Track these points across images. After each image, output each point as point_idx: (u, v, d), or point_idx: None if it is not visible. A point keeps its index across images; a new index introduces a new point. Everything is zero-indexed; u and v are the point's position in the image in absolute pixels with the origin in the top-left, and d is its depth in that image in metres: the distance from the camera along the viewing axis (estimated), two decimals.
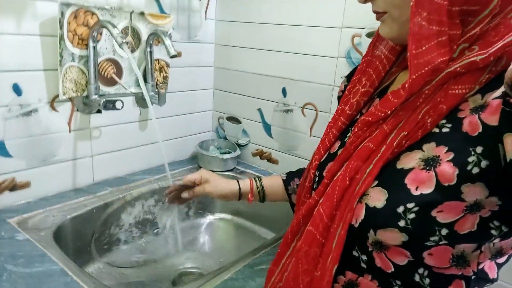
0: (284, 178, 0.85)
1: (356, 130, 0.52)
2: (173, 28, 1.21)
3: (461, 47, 0.44)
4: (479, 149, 0.40)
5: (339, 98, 0.69)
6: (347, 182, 0.49)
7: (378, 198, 0.45)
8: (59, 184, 1.05)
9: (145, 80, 1.16)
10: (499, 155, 0.39)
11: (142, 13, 1.09)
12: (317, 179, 0.59)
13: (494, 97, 0.41)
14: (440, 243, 0.43)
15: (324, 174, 0.56)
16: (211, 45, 1.39)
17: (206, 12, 1.33)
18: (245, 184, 0.85)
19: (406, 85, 0.45)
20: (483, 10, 0.43)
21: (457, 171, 0.41)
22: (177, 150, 1.37)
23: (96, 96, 1.02)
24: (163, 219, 1.18)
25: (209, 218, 1.31)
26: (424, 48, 0.43)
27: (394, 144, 0.46)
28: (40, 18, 0.91)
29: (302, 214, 0.57)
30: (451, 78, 0.44)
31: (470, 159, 0.40)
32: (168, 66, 1.22)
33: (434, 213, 0.42)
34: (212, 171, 1.29)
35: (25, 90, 0.92)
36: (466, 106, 0.44)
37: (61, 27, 0.92)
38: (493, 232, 0.43)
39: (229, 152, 1.35)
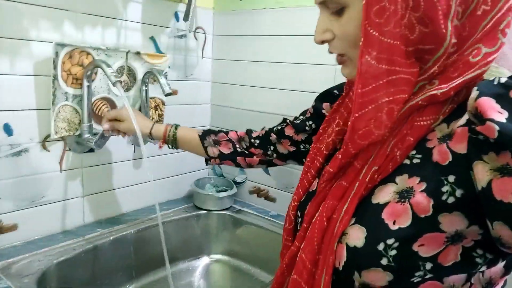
0: (200, 134, 0.91)
1: (321, 182, 0.52)
2: (169, 67, 1.22)
3: (421, 83, 0.45)
4: (451, 178, 0.40)
5: (307, 119, 0.75)
6: (325, 223, 0.48)
7: (357, 236, 0.44)
8: (48, 227, 1.01)
9: None
10: (473, 183, 0.39)
11: (138, 53, 1.10)
12: (299, 219, 0.57)
13: (459, 125, 0.41)
14: (426, 277, 0.42)
15: (305, 215, 0.54)
16: (208, 83, 1.40)
17: (202, 51, 1.35)
18: (159, 128, 0.92)
19: (346, 138, 0.46)
20: (438, 49, 0.43)
21: (432, 202, 0.40)
22: (172, 188, 1.34)
23: (89, 135, 1.01)
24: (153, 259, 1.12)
25: (205, 260, 1.26)
26: (370, 87, 0.43)
27: (367, 179, 0.46)
28: (35, 59, 0.91)
29: (285, 263, 0.55)
30: (415, 110, 0.45)
31: (444, 188, 0.40)
32: (163, 104, 1.21)
33: (415, 247, 0.41)
34: (208, 210, 1.26)
35: (16, 129, 0.91)
36: (433, 135, 0.44)
37: (55, 67, 0.92)
38: (478, 260, 0.42)
39: (226, 190, 1.32)
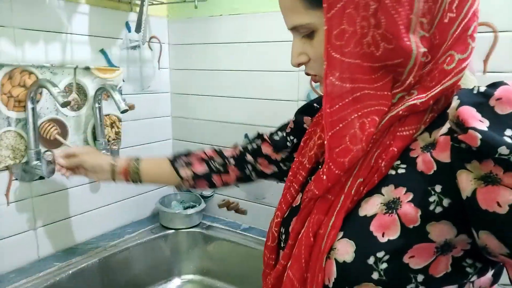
0: (170, 157, 0.81)
1: (305, 197, 0.51)
2: (123, 81, 1.14)
3: (400, 95, 0.45)
4: (438, 188, 0.40)
5: (288, 134, 0.73)
6: (311, 239, 0.46)
7: (346, 251, 0.43)
8: None
9: (95, 138, 1.07)
10: (459, 192, 0.39)
11: (87, 68, 1.02)
12: (283, 236, 0.55)
13: (441, 133, 0.42)
14: None
15: (290, 230, 0.53)
16: (167, 95, 1.33)
17: (159, 61, 1.28)
18: (120, 162, 0.81)
19: (326, 155, 0.46)
20: (407, 61, 0.43)
21: (419, 212, 0.40)
22: (136, 209, 1.26)
23: (38, 161, 0.92)
24: None
25: (176, 282, 1.19)
26: (337, 106, 0.45)
27: (352, 192, 0.45)
28: None
29: (271, 283, 0.53)
30: (396, 121, 0.45)
31: (431, 198, 0.40)
32: (120, 120, 1.13)
33: (406, 259, 0.41)
34: (175, 229, 1.20)
35: None
36: (416, 145, 0.44)
37: None
38: (469, 270, 0.42)
39: (193, 206, 1.26)
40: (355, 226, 0.44)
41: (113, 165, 0.79)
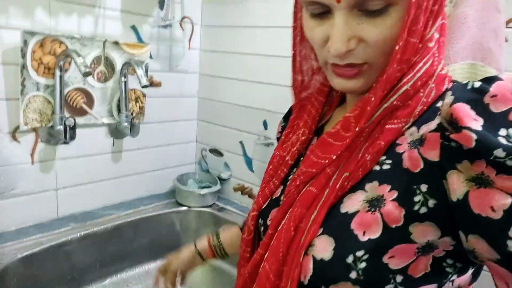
0: (241, 226, 0.76)
1: (298, 183, 0.47)
2: (151, 57, 1.18)
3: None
4: (423, 187, 0.38)
5: (278, 139, 0.64)
6: (292, 233, 0.45)
7: (324, 248, 0.41)
8: (18, 219, 0.99)
9: (119, 110, 1.12)
10: (446, 193, 0.37)
11: (116, 42, 1.06)
12: (262, 228, 0.54)
13: (430, 130, 0.40)
14: None
15: (268, 222, 0.51)
16: (195, 75, 1.36)
17: (189, 41, 1.30)
18: (202, 243, 0.76)
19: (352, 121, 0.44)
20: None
21: (403, 212, 0.39)
22: (155, 183, 1.30)
23: (61, 126, 0.98)
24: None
25: None
26: (383, 92, 0.42)
27: (337, 186, 0.43)
28: (3, 46, 0.88)
29: (248, 272, 0.51)
30: (388, 113, 0.43)
31: (416, 198, 0.38)
32: (144, 96, 1.17)
33: (385, 259, 0.39)
34: (189, 206, 1.23)
35: None
36: (403, 140, 0.42)
37: (23, 56, 0.89)
38: (448, 270, 0.40)
39: (209, 187, 1.28)
40: (336, 223, 0.42)
41: (198, 252, 0.76)
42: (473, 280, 0.45)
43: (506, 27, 0.74)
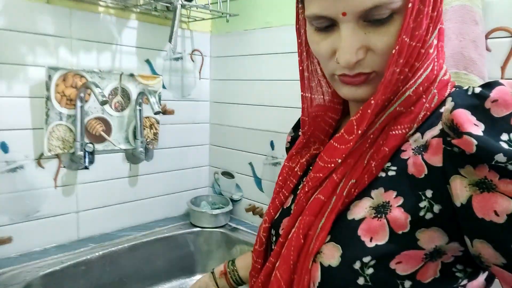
0: None
1: (307, 189, 0.48)
2: (164, 87, 1.27)
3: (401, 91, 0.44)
4: (429, 193, 0.39)
5: (287, 150, 0.66)
6: (302, 240, 0.45)
7: (332, 255, 0.42)
8: (42, 240, 1.06)
9: (135, 137, 1.20)
10: (450, 198, 0.37)
11: (131, 75, 1.16)
12: (274, 238, 0.55)
13: (433, 135, 0.40)
14: None
15: (281, 232, 0.52)
16: (206, 103, 1.44)
17: (200, 72, 1.39)
18: (219, 268, 0.76)
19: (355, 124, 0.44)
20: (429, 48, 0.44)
21: (409, 218, 0.39)
22: (171, 206, 1.36)
23: (82, 152, 1.06)
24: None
25: (197, 278, 1.25)
26: (385, 96, 0.42)
27: (344, 193, 0.43)
28: (31, 82, 0.99)
29: (261, 281, 0.52)
30: (392, 119, 0.44)
31: (422, 204, 0.39)
32: (158, 123, 1.26)
33: (392, 265, 0.39)
34: (202, 227, 1.27)
35: (12, 147, 0.98)
36: (408, 146, 0.43)
37: (48, 89, 0.99)
38: (458, 274, 0.40)
39: (221, 208, 1.32)
40: (343, 230, 0.43)
41: (212, 272, 0.77)
42: (487, 286, 0.45)
43: (489, 38, 0.78)
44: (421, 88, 0.43)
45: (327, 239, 0.43)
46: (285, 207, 0.55)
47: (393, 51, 0.40)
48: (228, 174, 1.40)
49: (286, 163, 0.58)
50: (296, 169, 0.55)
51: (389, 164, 0.43)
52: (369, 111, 0.42)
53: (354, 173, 0.44)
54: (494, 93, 0.37)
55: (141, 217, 1.27)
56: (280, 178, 0.58)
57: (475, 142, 0.34)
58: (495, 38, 0.78)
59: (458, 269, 0.40)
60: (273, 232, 0.56)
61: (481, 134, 0.35)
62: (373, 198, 0.42)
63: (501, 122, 0.35)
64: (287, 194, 0.55)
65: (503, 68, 0.77)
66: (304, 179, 0.53)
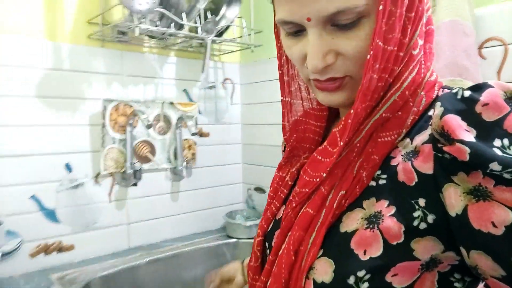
0: None
1: (294, 205, 0.47)
2: (200, 113, 1.43)
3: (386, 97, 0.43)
4: (421, 202, 0.37)
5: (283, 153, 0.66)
6: (292, 257, 0.43)
7: (325, 271, 0.40)
8: (99, 248, 1.21)
9: (176, 157, 1.35)
10: (444, 207, 0.36)
11: (171, 103, 1.33)
12: (268, 251, 0.52)
13: (423, 141, 0.39)
14: None
15: (273, 245, 0.50)
16: (238, 125, 1.59)
17: (231, 98, 1.55)
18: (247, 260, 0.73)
19: (338, 135, 0.43)
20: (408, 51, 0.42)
21: (403, 228, 0.37)
22: (208, 220, 1.49)
23: (131, 171, 1.23)
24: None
25: None
26: (367, 103, 0.40)
27: (334, 205, 0.42)
28: (89, 112, 1.18)
29: None
30: (379, 126, 0.42)
31: (416, 214, 0.37)
32: (195, 144, 1.41)
33: (388, 277, 0.37)
34: (238, 238, 1.38)
35: (74, 168, 1.16)
36: (397, 152, 0.41)
37: (103, 118, 1.18)
38: (457, 284, 0.39)
39: (254, 220, 1.43)
40: (335, 243, 0.41)
41: (242, 262, 0.78)
42: None
43: (484, 47, 0.87)
44: (407, 92, 0.41)
45: (319, 254, 0.41)
46: (277, 219, 0.53)
47: (368, 57, 0.38)
48: (260, 190, 1.51)
49: (276, 173, 0.57)
50: (286, 179, 0.53)
51: (379, 172, 0.41)
52: (349, 121, 0.40)
53: (344, 184, 0.42)
54: (485, 97, 0.35)
55: (182, 229, 1.41)
56: (271, 189, 0.56)
57: (468, 150, 0.33)
58: (490, 47, 0.87)
59: (456, 279, 0.38)
60: (267, 245, 0.53)
61: (473, 140, 0.33)
62: (365, 209, 0.40)
63: (493, 127, 0.34)
64: (278, 205, 0.53)
65: (498, 72, 0.85)
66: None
